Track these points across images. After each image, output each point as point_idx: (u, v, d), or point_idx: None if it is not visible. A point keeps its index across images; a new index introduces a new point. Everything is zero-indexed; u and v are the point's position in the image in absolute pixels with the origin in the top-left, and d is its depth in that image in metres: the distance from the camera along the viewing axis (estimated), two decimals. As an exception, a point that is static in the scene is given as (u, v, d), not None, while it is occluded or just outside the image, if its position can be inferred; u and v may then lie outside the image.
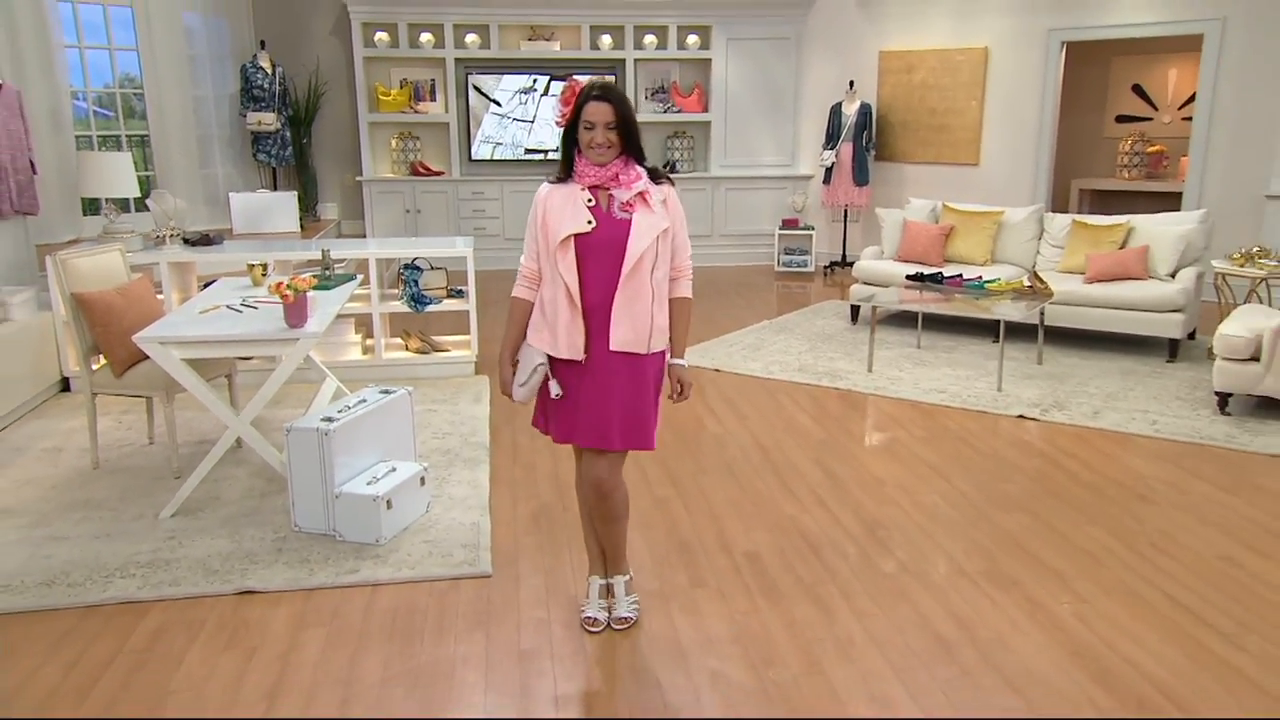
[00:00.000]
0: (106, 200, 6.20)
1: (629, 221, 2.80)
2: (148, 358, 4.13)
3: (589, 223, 2.79)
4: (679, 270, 2.93)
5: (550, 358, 2.90)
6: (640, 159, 2.85)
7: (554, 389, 2.90)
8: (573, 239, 2.79)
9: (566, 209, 2.81)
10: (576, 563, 3.55)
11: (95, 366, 4.50)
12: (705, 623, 3.16)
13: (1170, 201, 9.03)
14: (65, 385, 5.71)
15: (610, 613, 3.14)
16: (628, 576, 3.18)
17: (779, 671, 2.88)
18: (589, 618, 3.13)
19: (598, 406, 2.86)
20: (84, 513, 4.03)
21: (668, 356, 2.97)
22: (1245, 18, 7.72)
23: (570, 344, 2.83)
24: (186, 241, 5.99)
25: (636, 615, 3.14)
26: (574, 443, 2.99)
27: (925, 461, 4.60)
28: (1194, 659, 2.92)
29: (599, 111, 2.76)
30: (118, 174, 5.88)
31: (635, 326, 2.81)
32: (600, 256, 2.79)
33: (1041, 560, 3.57)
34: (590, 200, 2.82)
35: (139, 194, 6.37)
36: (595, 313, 2.82)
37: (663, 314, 2.88)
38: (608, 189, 2.83)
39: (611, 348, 2.82)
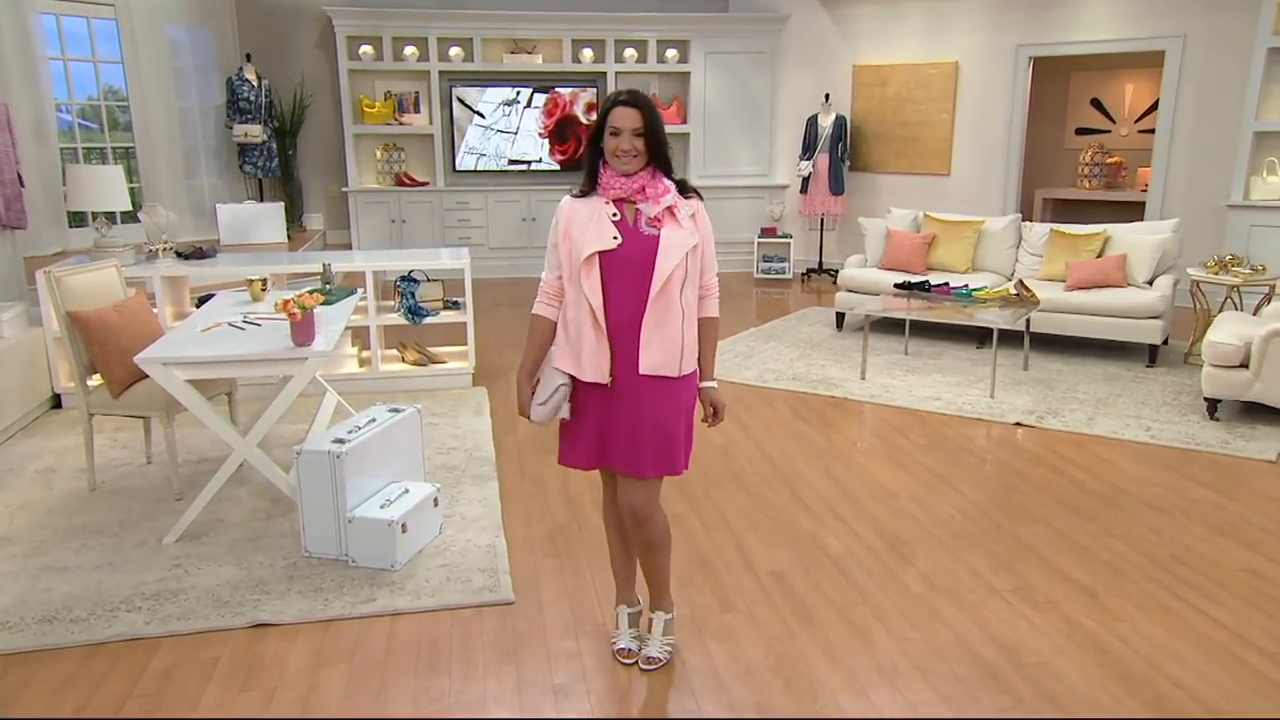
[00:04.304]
0: (99, 214, 5.80)
1: (657, 237, 2.52)
2: (146, 376, 3.80)
3: (614, 239, 2.51)
4: (707, 289, 2.66)
5: (574, 380, 2.63)
6: (668, 170, 2.58)
7: (564, 411, 2.62)
8: (597, 256, 2.52)
9: (590, 224, 2.53)
10: (600, 586, 3.29)
11: (91, 384, 4.15)
12: (742, 650, 2.91)
13: (1129, 210, 8.95)
14: (57, 402, 5.32)
15: (642, 645, 2.88)
16: (670, 615, 2.88)
17: (825, 704, 2.64)
18: (622, 649, 2.87)
19: (628, 432, 2.58)
20: (83, 539, 3.69)
21: (698, 378, 2.70)
22: (1205, 34, 7.65)
23: (595, 367, 2.54)
24: (179, 255, 5.63)
25: (668, 658, 2.84)
26: (605, 469, 2.71)
27: (932, 471, 4.40)
28: (1243, 681, 2.73)
29: (625, 117, 2.48)
30: (109, 187, 5.49)
31: (666, 348, 2.53)
32: (626, 274, 2.51)
33: (1068, 575, 3.38)
34: (615, 215, 2.55)
35: (131, 207, 5.98)
36: (621, 333, 2.53)
37: (693, 334, 2.60)
38: (634, 202, 2.55)
39: (641, 371, 2.53)
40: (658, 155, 2.55)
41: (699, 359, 2.68)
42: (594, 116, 9.63)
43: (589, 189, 2.61)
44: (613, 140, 2.51)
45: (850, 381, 5.83)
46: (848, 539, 3.69)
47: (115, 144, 8.12)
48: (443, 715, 2.62)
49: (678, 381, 2.58)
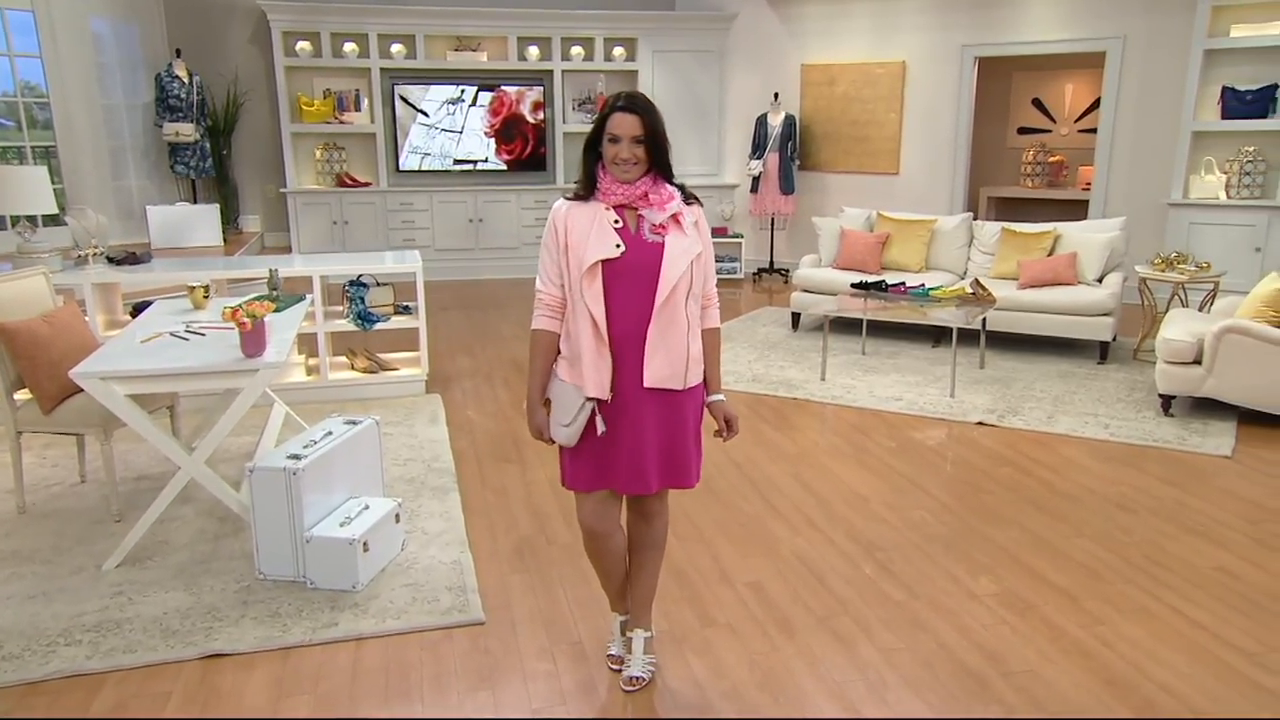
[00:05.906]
0: (20, 217, 5.47)
1: (661, 245, 2.41)
2: (81, 391, 3.59)
3: (617, 247, 2.40)
4: (708, 298, 2.56)
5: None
6: (670, 176, 2.47)
7: (600, 425, 2.47)
8: (600, 265, 2.40)
9: (591, 231, 2.41)
10: (573, 602, 3.18)
11: (19, 399, 3.90)
12: (725, 666, 2.83)
13: (1071, 208, 9.12)
14: (-22, 418, 5.01)
15: (624, 664, 2.78)
16: (649, 634, 2.79)
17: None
18: (614, 655, 2.81)
19: (632, 449, 2.47)
20: (14, 567, 3.45)
21: (705, 391, 2.61)
22: (1144, 36, 7.81)
23: (597, 382, 2.42)
24: (111, 260, 5.35)
25: (650, 676, 2.75)
26: (608, 489, 2.57)
27: (901, 474, 4.38)
28: (1227, 683, 2.74)
29: (624, 124, 2.37)
30: (32, 188, 5.17)
31: (671, 360, 2.43)
32: (629, 283, 2.40)
33: (1045, 578, 3.37)
34: (617, 221, 2.43)
35: (56, 210, 5.66)
36: (624, 345, 2.42)
37: (698, 345, 2.50)
38: (636, 209, 2.45)
39: (646, 384, 2.43)
40: (659, 161, 2.43)
41: (705, 371, 2.58)
42: (541, 116, 9.53)
43: (587, 194, 2.48)
44: (611, 147, 2.40)
45: (811, 383, 5.80)
46: (823, 546, 3.64)
47: (34, 143, 7.72)
48: (417, 748, 2.49)
49: (683, 394, 2.49)
